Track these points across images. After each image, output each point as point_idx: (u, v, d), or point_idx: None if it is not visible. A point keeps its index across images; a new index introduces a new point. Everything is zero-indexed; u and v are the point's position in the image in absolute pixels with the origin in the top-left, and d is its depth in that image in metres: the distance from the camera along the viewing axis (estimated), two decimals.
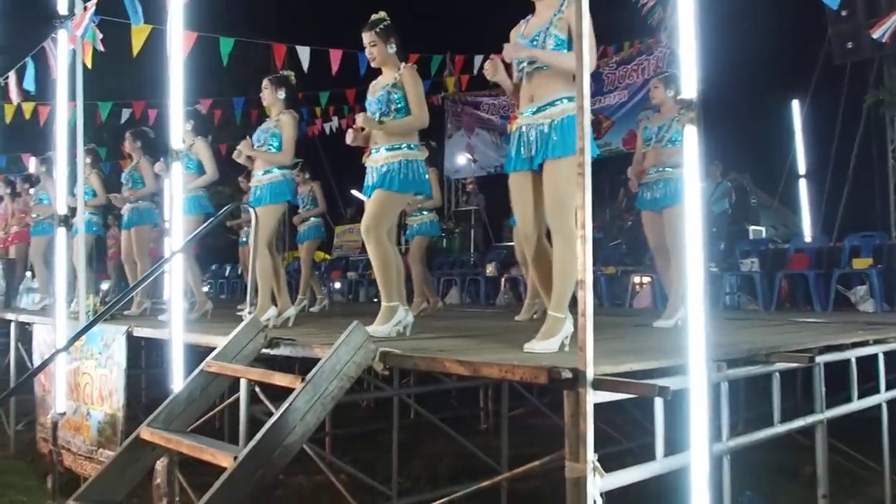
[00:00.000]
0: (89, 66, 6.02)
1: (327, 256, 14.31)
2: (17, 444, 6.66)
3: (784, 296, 8.60)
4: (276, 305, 5.29)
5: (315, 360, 3.29)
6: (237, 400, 3.81)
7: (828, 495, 3.89)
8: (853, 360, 3.98)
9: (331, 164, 15.16)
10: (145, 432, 3.54)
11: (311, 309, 8.10)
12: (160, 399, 3.87)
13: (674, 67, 8.41)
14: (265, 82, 5.56)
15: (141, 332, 5.06)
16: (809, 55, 11.39)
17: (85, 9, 5.73)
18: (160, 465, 3.67)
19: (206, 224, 5.38)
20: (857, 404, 4.03)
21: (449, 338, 4.30)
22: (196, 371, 3.79)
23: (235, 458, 2.91)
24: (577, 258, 2.43)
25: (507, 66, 3.69)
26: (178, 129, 4.55)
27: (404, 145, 4.35)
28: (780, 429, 3.54)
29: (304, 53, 10.67)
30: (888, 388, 4.22)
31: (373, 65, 4.50)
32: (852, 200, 10.84)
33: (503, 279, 10.43)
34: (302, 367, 3.84)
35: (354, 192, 14.18)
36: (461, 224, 13.05)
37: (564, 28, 3.46)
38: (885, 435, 4.28)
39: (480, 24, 12.03)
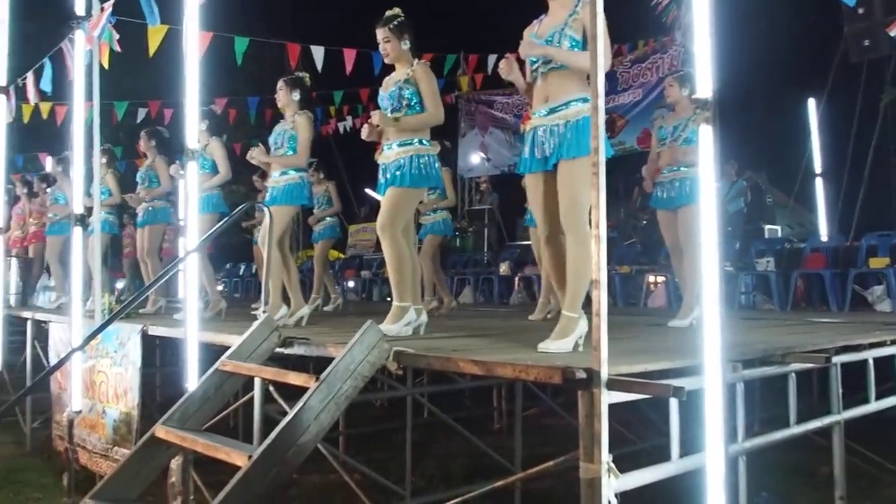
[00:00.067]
0: (106, 66, 6.04)
1: (341, 255, 14.33)
2: (33, 441, 6.71)
3: (800, 295, 8.55)
4: (287, 305, 5.31)
5: (329, 360, 3.29)
6: (251, 399, 3.83)
7: (845, 497, 3.86)
8: (870, 360, 3.96)
9: (345, 163, 15.18)
10: (160, 431, 3.55)
11: (325, 308, 8.11)
12: (175, 397, 3.88)
13: (688, 66, 8.38)
14: (280, 84, 5.58)
15: (156, 330, 5.08)
16: (826, 53, 11.32)
17: (102, 9, 5.76)
18: (175, 463, 3.68)
19: (220, 223, 5.40)
20: (874, 405, 4.00)
21: (462, 337, 4.30)
22: (211, 370, 3.80)
23: (250, 456, 2.92)
24: (592, 258, 2.42)
25: (522, 65, 3.68)
26: (194, 129, 4.57)
27: (416, 140, 4.34)
28: (796, 430, 3.52)
29: (318, 53, 10.69)
30: None
31: (386, 61, 4.50)
32: (869, 199, 10.75)
33: (517, 278, 10.41)
34: (316, 366, 3.84)
35: (368, 191, 14.20)
36: (475, 223, 13.04)
37: (579, 29, 3.46)
38: None
39: (494, 22, 12.04)
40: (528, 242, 9.06)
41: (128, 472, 3.55)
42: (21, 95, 8.26)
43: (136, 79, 13.72)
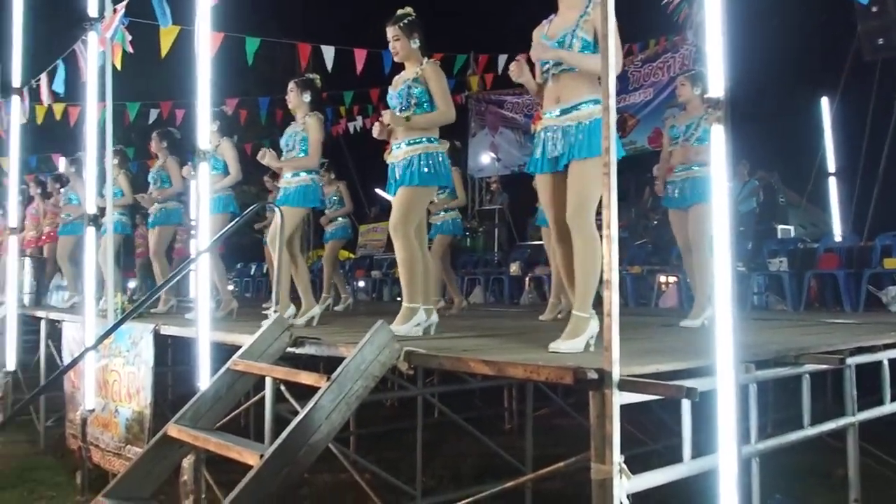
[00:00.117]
0: (119, 67, 6.07)
1: (351, 255, 14.35)
2: (46, 440, 6.76)
3: (813, 296, 8.50)
4: (297, 305, 5.32)
5: (340, 359, 3.30)
6: (262, 398, 3.83)
7: (860, 499, 3.84)
8: (885, 361, 3.93)
9: (355, 163, 15.21)
10: (173, 429, 3.57)
11: (336, 308, 8.13)
12: (186, 396, 3.89)
13: (700, 65, 8.36)
14: (291, 85, 5.59)
15: (168, 330, 5.10)
16: (839, 52, 11.24)
17: (115, 11, 5.78)
18: (187, 462, 3.70)
19: (232, 223, 5.42)
20: (889, 407, 3.96)
21: (473, 337, 4.30)
22: (222, 369, 3.81)
23: (262, 456, 2.92)
24: (598, 258, 2.42)
25: (532, 67, 3.68)
26: (205, 130, 4.59)
27: (424, 139, 4.33)
28: (810, 431, 3.50)
29: (328, 53, 10.69)
30: None
31: (395, 59, 4.51)
32: (883, 199, 10.66)
33: (527, 278, 10.40)
34: (327, 365, 3.85)
35: (379, 191, 14.22)
36: (485, 223, 13.04)
37: (590, 30, 3.46)
38: None
39: (504, 22, 12.04)
40: (539, 242, 9.07)
41: (140, 471, 3.57)
42: (34, 97, 8.31)
43: (149, 80, 13.75)
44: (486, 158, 14.92)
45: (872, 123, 10.98)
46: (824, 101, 11.79)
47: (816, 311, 7.91)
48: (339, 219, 8.32)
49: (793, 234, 10.55)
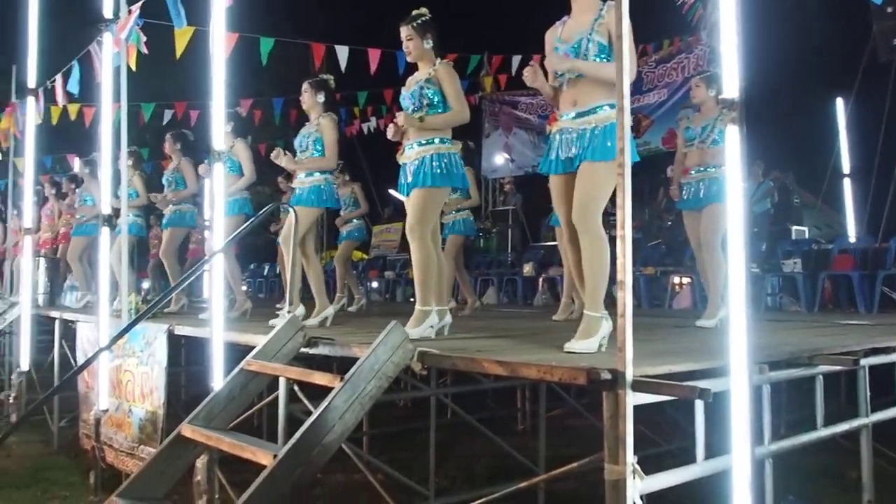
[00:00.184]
0: (133, 68, 6.11)
1: (365, 256, 14.37)
2: (60, 439, 6.79)
3: (827, 297, 8.45)
4: (309, 306, 5.34)
5: (353, 360, 3.30)
6: (276, 398, 3.84)
7: (873, 501, 3.82)
8: None
9: (369, 163, 15.21)
10: (186, 430, 3.58)
11: (349, 308, 8.14)
12: (200, 396, 3.91)
13: (714, 65, 8.33)
14: (305, 86, 5.60)
15: (182, 330, 5.12)
16: (854, 52, 11.18)
17: (129, 12, 5.82)
18: (200, 462, 3.72)
19: (245, 224, 5.44)
20: None
21: (486, 338, 4.29)
22: (236, 369, 3.82)
23: (275, 456, 2.93)
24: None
25: (546, 71, 3.68)
26: (220, 130, 4.61)
27: (436, 139, 4.32)
28: (823, 432, 3.49)
29: (342, 53, 10.71)
30: None
31: (408, 59, 4.50)
32: None
33: (541, 279, 10.38)
34: (340, 366, 3.86)
35: (392, 192, 14.22)
36: (499, 224, 13.02)
37: (605, 34, 3.47)
38: None
39: (517, 23, 12.03)
40: (553, 243, 9.06)
41: (154, 471, 3.58)
42: (50, 97, 8.36)
43: (163, 80, 13.81)
44: (499, 159, 14.91)
45: (888, 124, 10.89)
46: (839, 102, 11.72)
47: (830, 312, 7.87)
48: (354, 220, 8.34)
49: (807, 235, 10.49)
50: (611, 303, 3.05)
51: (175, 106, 13.34)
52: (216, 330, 4.36)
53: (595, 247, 3.35)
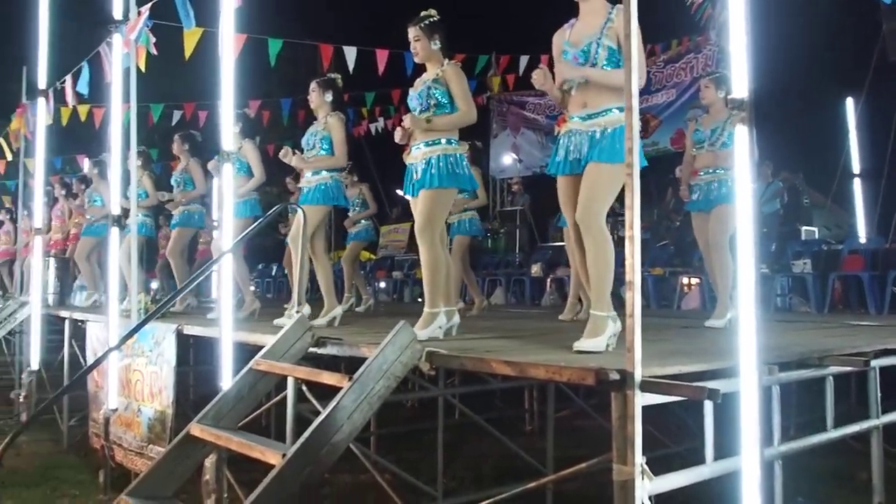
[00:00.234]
0: (143, 69, 6.13)
1: (372, 256, 14.38)
2: (70, 439, 6.81)
3: (837, 298, 8.42)
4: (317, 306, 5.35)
5: (361, 360, 3.31)
6: (284, 398, 3.85)
7: (883, 503, 3.80)
8: None
9: (376, 164, 15.23)
10: (195, 429, 3.59)
11: (357, 308, 8.15)
12: (208, 396, 3.92)
13: (723, 65, 8.30)
14: (313, 85, 5.61)
15: (191, 330, 5.14)
16: (864, 52, 11.11)
17: (139, 13, 5.84)
18: (209, 461, 3.72)
19: (254, 225, 5.45)
20: None
21: (494, 338, 4.29)
22: (245, 369, 3.83)
23: (284, 455, 2.94)
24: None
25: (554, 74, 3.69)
26: (229, 131, 4.62)
27: (443, 140, 4.31)
28: (833, 434, 3.48)
29: (350, 54, 10.71)
30: None
31: (416, 60, 4.50)
32: None
33: (549, 280, 10.36)
34: (348, 366, 3.86)
35: (400, 192, 14.22)
36: (506, 224, 13.02)
37: (615, 38, 3.49)
38: None
39: (525, 23, 12.01)
40: (561, 243, 9.05)
41: (163, 470, 3.59)
42: (59, 98, 8.40)
43: (172, 81, 13.86)
44: (507, 159, 14.91)
45: None
46: (849, 102, 11.67)
47: (840, 313, 7.84)
48: (363, 221, 8.34)
49: (817, 235, 10.45)
50: (619, 303, 3.04)
51: (184, 107, 13.37)
52: (225, 330, 4.37)
53: (599, 247, 3.37)
